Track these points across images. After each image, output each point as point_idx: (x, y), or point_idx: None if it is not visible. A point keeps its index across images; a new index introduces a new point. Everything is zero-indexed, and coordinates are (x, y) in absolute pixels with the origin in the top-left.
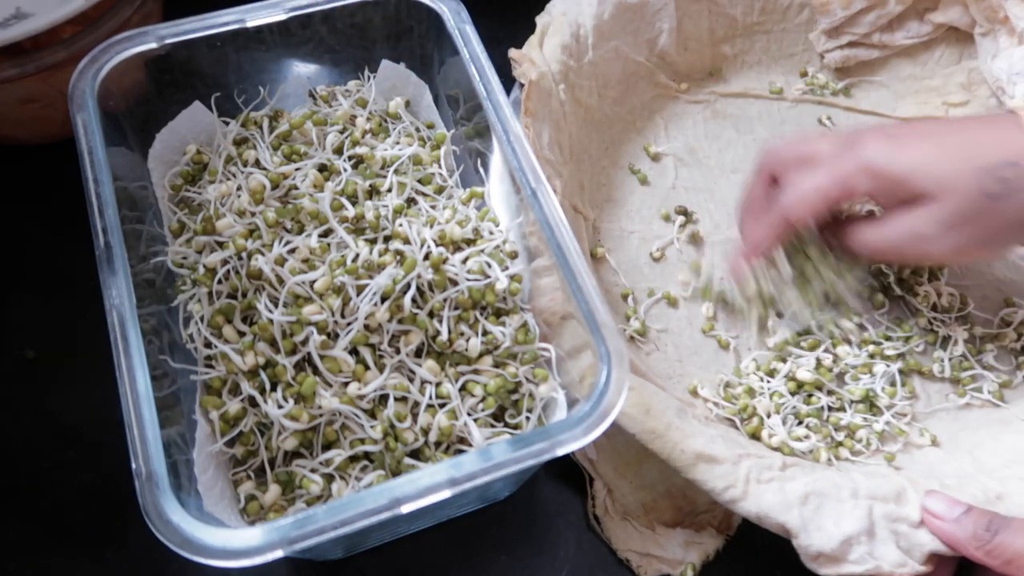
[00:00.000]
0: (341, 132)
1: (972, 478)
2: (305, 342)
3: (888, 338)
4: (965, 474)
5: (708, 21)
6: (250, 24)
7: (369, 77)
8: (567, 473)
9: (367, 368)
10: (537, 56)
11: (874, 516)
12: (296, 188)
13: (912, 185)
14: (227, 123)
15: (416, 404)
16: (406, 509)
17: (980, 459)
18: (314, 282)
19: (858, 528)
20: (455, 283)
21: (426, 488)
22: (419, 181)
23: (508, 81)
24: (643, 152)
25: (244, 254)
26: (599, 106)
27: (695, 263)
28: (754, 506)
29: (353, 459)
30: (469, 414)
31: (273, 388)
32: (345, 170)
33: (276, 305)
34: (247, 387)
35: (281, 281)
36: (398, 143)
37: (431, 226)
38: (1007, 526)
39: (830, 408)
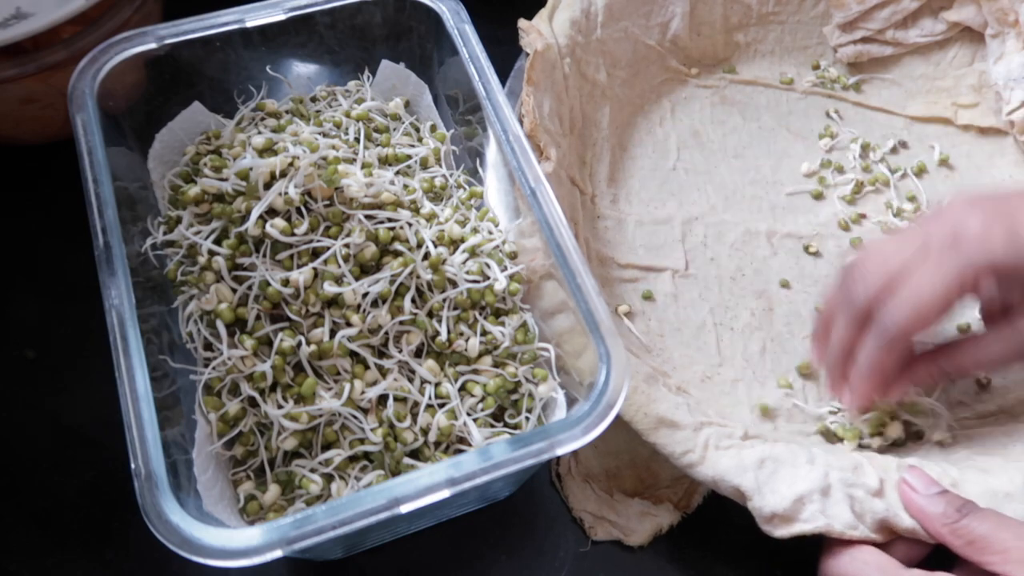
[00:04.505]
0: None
1: (934, 463)
2: (302, 345)
3: None
4: (928, 460)
5: (722, 8)
6: (250, 24)
7: (369, 77)
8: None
9: (367, 368)
10: (545, 28)
11: (830, 479)
12: None
13: None
14: (227, 123)
15: (416, 404)
16: (405, 509)
17: (945, 448)
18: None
19: (811, 487)
20: (454, 283)
21: (425, 488)
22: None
23: (507, 79)
24: (648, 134)
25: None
26: (608, 84)
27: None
28: (711, 470)
29: (353, 459)
30: (469, 414)
31: (273, 389)
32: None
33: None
34: (247, 388)
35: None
36: (403, 146)
37: (431, 226)
38: (976, 511)
39: None
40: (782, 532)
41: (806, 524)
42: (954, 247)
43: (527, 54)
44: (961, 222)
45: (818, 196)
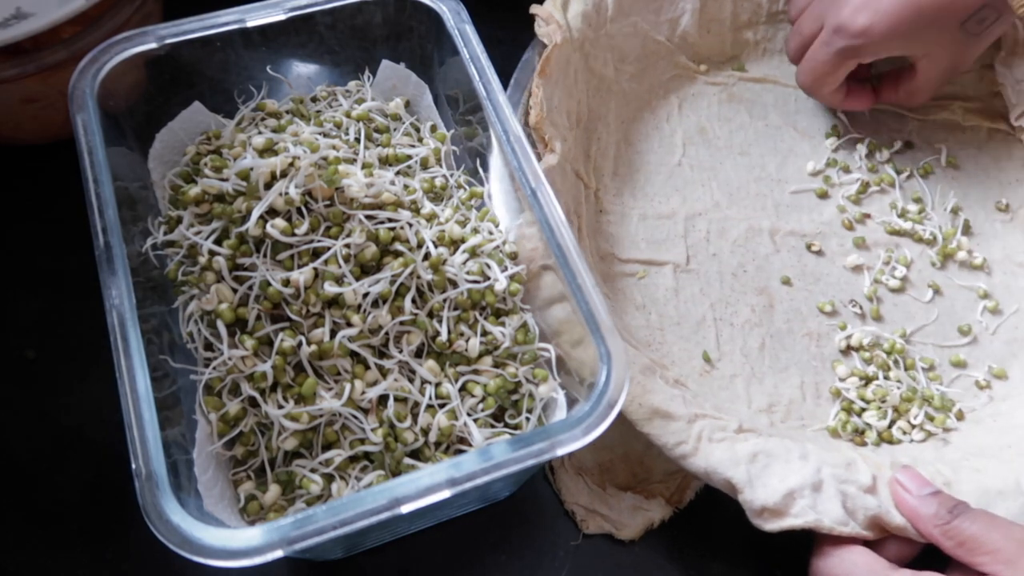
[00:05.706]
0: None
1: (928, 463)
2: (302, 345)
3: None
4: (923, 459)
5: (732, 5)
6: (250, 24)
7: (369, 77)
8: None
9: (367, 368)
10: (562, 19)
11: (822, 474)
12: None
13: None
14: (227, 123)
15: (416, 404)
16: (406, 509)
17: (940, 449)
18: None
19: (803, 482)
20: (455, 284)
21: (426, 488)
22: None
23: (507, 80)
24: (655, 130)
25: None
26: (615, 79)
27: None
28: (703, 462)
29: (353, 459)
30: (469, 414)
31: (273, 389)
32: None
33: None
34: (247, 388)
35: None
36: (403, 146)
37: (431, 226)
38: (967, 512)
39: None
40: (772, 526)
41: (796, 519)
42: (840, 33)
43: (535, 45)
44: (848, 19)
45: (823, 195)
